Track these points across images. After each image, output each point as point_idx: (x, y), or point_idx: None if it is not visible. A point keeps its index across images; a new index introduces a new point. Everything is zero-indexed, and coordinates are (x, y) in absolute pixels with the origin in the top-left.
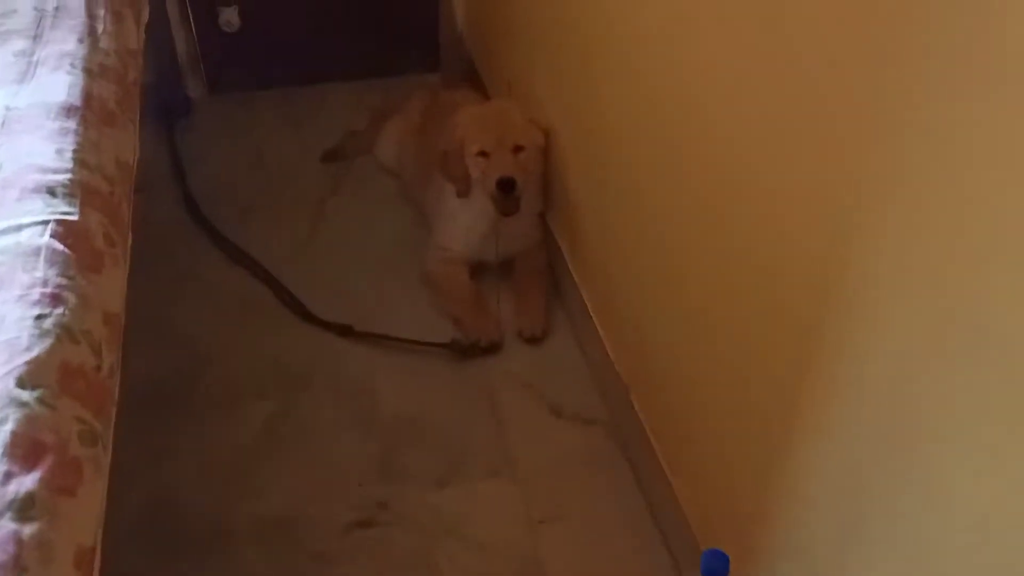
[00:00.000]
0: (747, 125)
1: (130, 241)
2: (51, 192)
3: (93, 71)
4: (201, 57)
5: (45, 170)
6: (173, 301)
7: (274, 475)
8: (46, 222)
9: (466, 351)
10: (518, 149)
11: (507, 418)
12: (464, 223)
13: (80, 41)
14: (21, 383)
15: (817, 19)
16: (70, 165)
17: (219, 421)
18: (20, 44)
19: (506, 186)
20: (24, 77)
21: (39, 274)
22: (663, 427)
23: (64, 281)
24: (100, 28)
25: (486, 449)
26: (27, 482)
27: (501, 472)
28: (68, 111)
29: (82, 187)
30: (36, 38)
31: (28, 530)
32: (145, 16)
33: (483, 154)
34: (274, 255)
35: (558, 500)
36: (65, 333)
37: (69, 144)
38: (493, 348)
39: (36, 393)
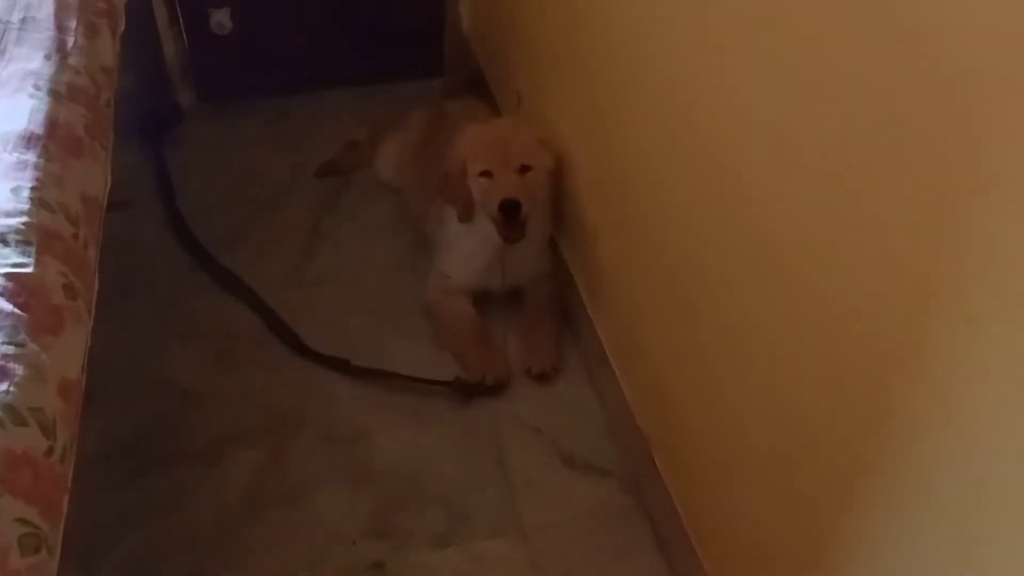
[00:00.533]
0: (800, 160)
1: (96, 288)
2: (2, 241)
3: (60, 93)
4: (191, 63)
5: None
6: (154, 335)
7: (261, 538)
8: None
9: (470, 390)
10: (524, 169)
11: (514, 468)
12: (466, 249)
13: (47, 58)
14: None
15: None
16: (26, 206)
17: (202, 475)
18: None
19: (510, 209)
20: None
21: None
22: (688, 489)
23: (11, 351)
24: (70, 43)
25: (491, 503)
26: None
27: (507, 530)
28: (28, 141)
29: (40, 232)
30: None
31: None
32: (121, 26)
33: (486, 174)
34: (264, 281)
35: (569, 562)
36: (9, 415)
37: (27, 181)
38: (499, 388)
39: None
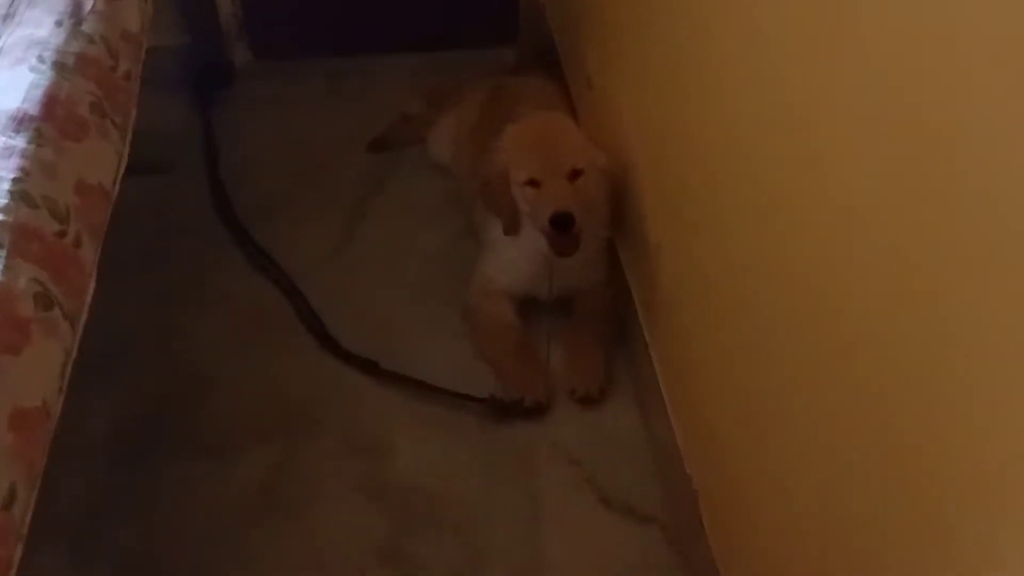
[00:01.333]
0: (894, 187)
1: (91, 290)
2: None
3: (66, 66)
4: (246, 18)
5: None
6: (178, 311)
7: (265, 542)
8: None
9: (505, 410)
10: (575, 174)
11: (545, 502)
12: (512, 255)
13: (58, 24)
14: None
15: None
16: (3, 201)
17: (208, 469)
18: None
19: (562, 223)
20: None
21: None
22: (737, 550)
23: None
24: (88, 5)
25: (515, 539)
26: None
27: (528, 571)
28: (19, 122)
29: (14, 231)
30: (6, 18)
31: None
32: None
33: (533, 183)
34: (299, 259)
35: None
36: None
37: (9, 171)
38: (537, 410)
39: None
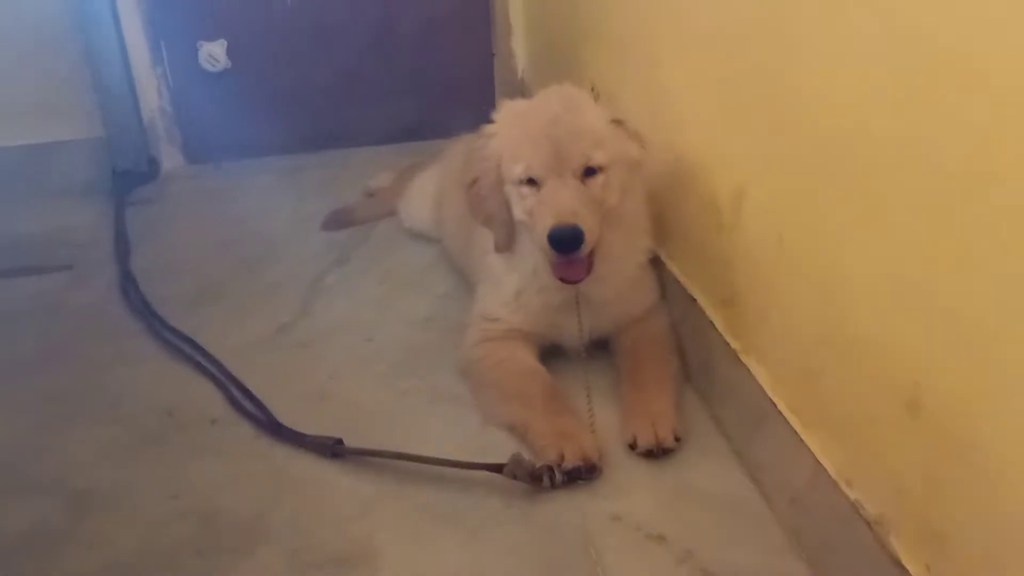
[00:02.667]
0: None
1: None
2: None
3: None
4: (176, 115)
5: None
6: (57, 417)
7: None
8: None
9: (534, 478)
10: (590, 172)
11: None
12: (516, 289)
13: None
14: None
15: None
16: None
17: None
18: None
19: (564, 242)
20: None
21: None
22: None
23: None
24: None
25: None
26: None
27: None
28: None
29: None
30: None
31: None
32: None
33: (531, 182)
34: (236, 343)
35: None
36: None
37: None
38: (585, 472)
39: None
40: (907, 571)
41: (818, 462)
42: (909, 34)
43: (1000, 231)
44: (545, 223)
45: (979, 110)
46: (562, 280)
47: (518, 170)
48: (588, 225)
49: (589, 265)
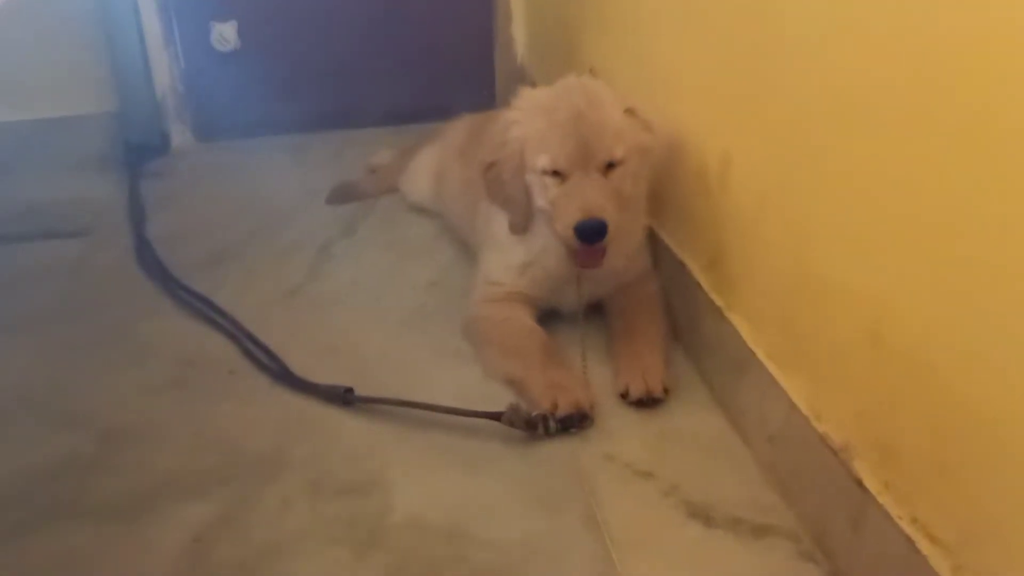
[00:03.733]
0: None
1: None
2: None
3: None
4: (187, 91)
5: None
6: (88, 362)
7: None
8: None
9: (534, 425)
10: (610, 166)
11: (615, 525)
12: (521, 261)
13: None
14: None
15: None
16: None
17: (113, 536)
18: None
19: (591, 234)
20: None
21: None
22: (941, 520)
23: None
24: None
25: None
26: None
27: None
28: None
29: None
30: None
31: None
32: None
33: (556, 174)
34: (251, 302)
35: None
36: None
37: None
38: (578, 421)
39: None
40: (868, 491)
41: (792, 402)
42: (879, 15)
43: (952, 185)
44: (572, 216)
45: (931, 78)
46: (582, 266)
47: (543, 161)
48: (611, 217)
49: (604, 252)
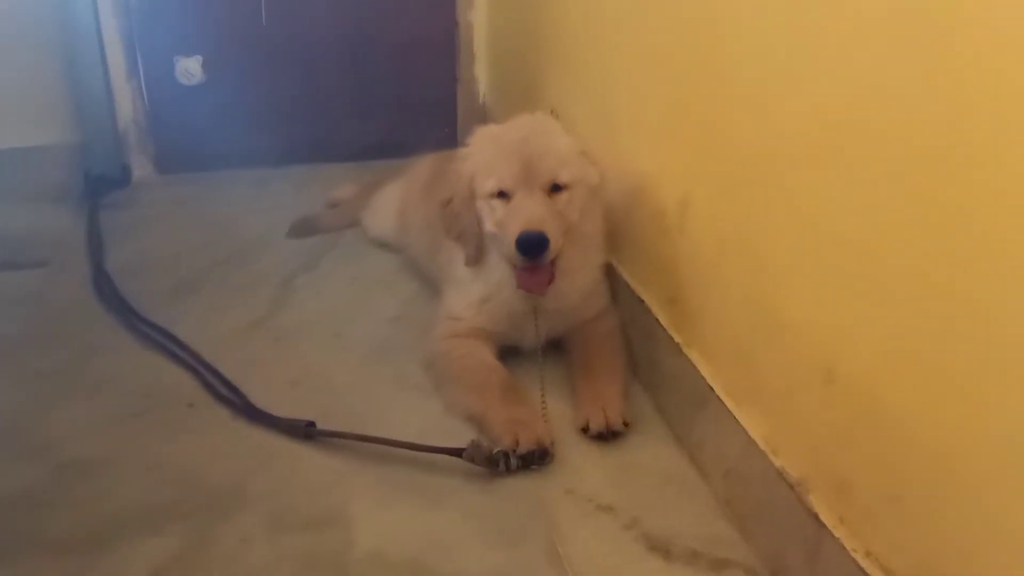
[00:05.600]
0: None
1: None
2: None
3: None
4: (150, 124)
5: None
6: (44, 394)
7: None
8: None
9: (491, 462)
10: (556, 189)
11: (576, 558)
12: (480, 296)
13: None
14: None
15: None
16: None
17: (76, 569)
18: None
19: (531, 246)
20: None
21: None
22: (894, 553)
23: None
24: None
25: None
26: None
27: None
28: None
29: None
30: None
31: None
32: None
33: (502, 195)
34: (212, 336)
35: None
36: None
37: None
38: (538, 457)
39: None
40: (824, 524)
41: (749, 436)
42: (830, 66)
43: (901, 226)
44: (514, 230)
45: (882, 123)
46: (525, 289)
47: (490, 184)
48: (553, 234)
49: (551, 277)
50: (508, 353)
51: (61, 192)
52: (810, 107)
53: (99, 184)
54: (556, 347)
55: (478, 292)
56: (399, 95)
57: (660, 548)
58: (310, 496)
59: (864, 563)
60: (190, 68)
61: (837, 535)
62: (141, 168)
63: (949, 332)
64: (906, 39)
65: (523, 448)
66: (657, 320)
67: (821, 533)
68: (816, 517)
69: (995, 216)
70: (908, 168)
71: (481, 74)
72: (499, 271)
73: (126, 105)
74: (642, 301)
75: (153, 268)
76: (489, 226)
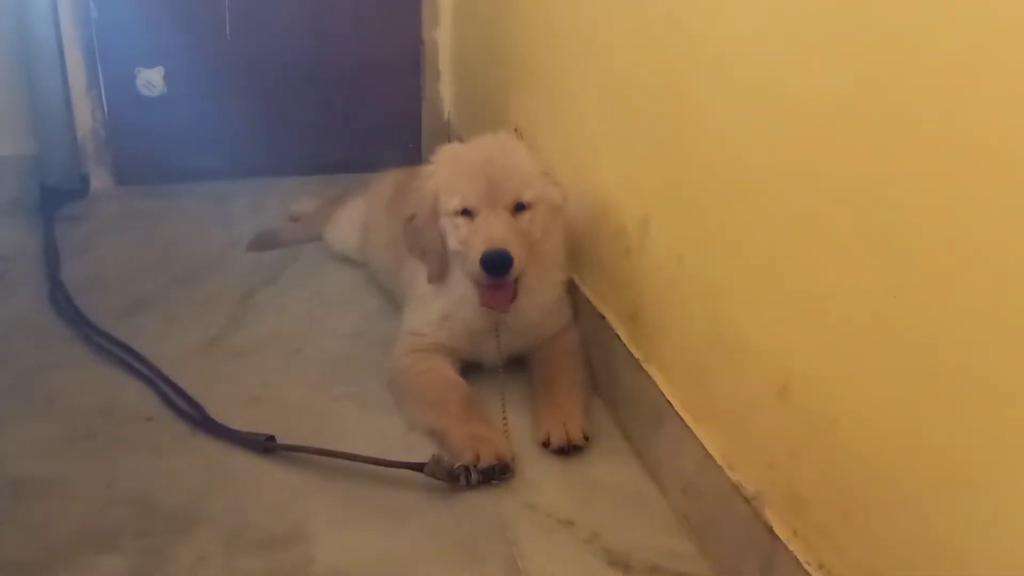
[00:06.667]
0: None
1: None
2: None
3: None
4: (109, 136)
5: None
6: (0, 414)
7: None
8: None
9: (456, 476)
10: (520, 208)
11: (535, 573)
12: (442, 313)
13: None
14: None
15: None
16: None
17: None
18: None
19: (496, 264)
20: None
21: None
22: (845, 566)
23: None
24: None
25: None
26: None
27: None
28: None
29: None
30: None
31: None
32: None
33: (466, 213)
34: (171, 351)
35: None
36: None
37: None
38: (499, 472)
39: None
40: (778, 537)
41: (706, 452)
42: (774, 99)
43: (851, 248)
44: (478, 248)
45: (828, 146)
46: (490, 307)
47: (454, 202)
48: (517, 252)
49: (514, 294)
50: (469, 369)
51: (16, 204)
52: (766, 132)
53: (56, 195)
54: (517, 363)
55: (440, 308)
56: (363, 112)
57: (620, 562)
58: (269, 513)
59: (817, 575)
60: (151, 79)
61: (791, 548)
62: (100, 179)
63: (895, 352)
64: (857, 64)
65: (484, 463)
66: (617, 336)
67: (776, 546)
68: (771, 530)
69: (942, 237)
70: (858, 192)
71: (446, 92)
72: (461, 288)
73: (85, 115)
74: (603, 317)
75: (111, 282)
76: (453, 244)
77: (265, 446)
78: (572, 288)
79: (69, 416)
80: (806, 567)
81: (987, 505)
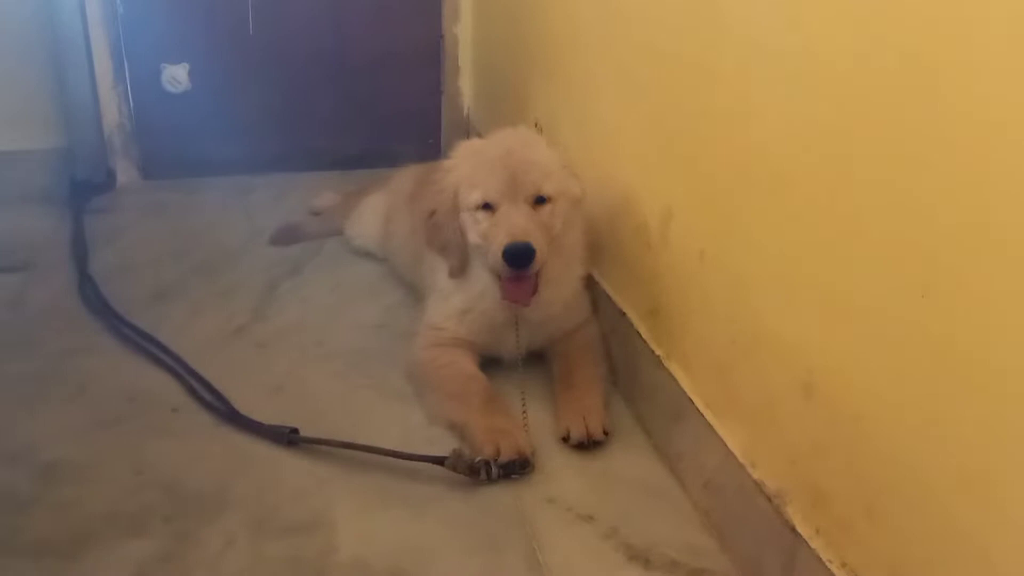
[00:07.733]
0: None
1: None
2: None
3: None
4: (135, 131)
5: None
6: (22, 397)
7: None
8: None
9: (477, 470)
10: (540, 202)
11: (555, 566)
12: (462, 307)
13: None
14: None
15: None
16: None
17: (57, 572)
18: None
19: (518, 257)
20: None
21: None
22: (868, 564)
23: None
24: None
25: None
26: None
27: None
28: None
29: None
30: None
31: None
32: None
33: (487, 207)
34: (195, 341)
35: None
36: None
37: None
38: (519, 466)
39: None
40: (800, 535)
41: (728, 449)
42: (803, 87)
43: (884, 243)
44: (500, 241)
45: (854, 135)
46: (512, 300)
47: (475, 196)
48: (539, 245)
49: (535, 288)
50: (489, 363)
51: (46, 196)
52: (790, 122)
53: (84, 189)
54: (537, 357)
55: (460, 303)
56: (383, 106)
57: (639, 557)
58: (293, 501)
59: (840, 573)
60: (176, 75)
61: (813, 546)
62: (126, 173)
63: (921, 349)
64: (901, 41)
65: (504, 457)
66: (638, 332)
67: (797, 544)
68: (793, 528)
69: (976, 236)
70: (891, 185)
71: (466, 86)
72: (481, 282)
73: (112, 111)
74: (623, 313)
75: (136, 273)
76: (473, 238)
77: (288, 438)
78: (592, 283)
79: (98, 402)
80: (828, 565)
81: (1011, 501)
